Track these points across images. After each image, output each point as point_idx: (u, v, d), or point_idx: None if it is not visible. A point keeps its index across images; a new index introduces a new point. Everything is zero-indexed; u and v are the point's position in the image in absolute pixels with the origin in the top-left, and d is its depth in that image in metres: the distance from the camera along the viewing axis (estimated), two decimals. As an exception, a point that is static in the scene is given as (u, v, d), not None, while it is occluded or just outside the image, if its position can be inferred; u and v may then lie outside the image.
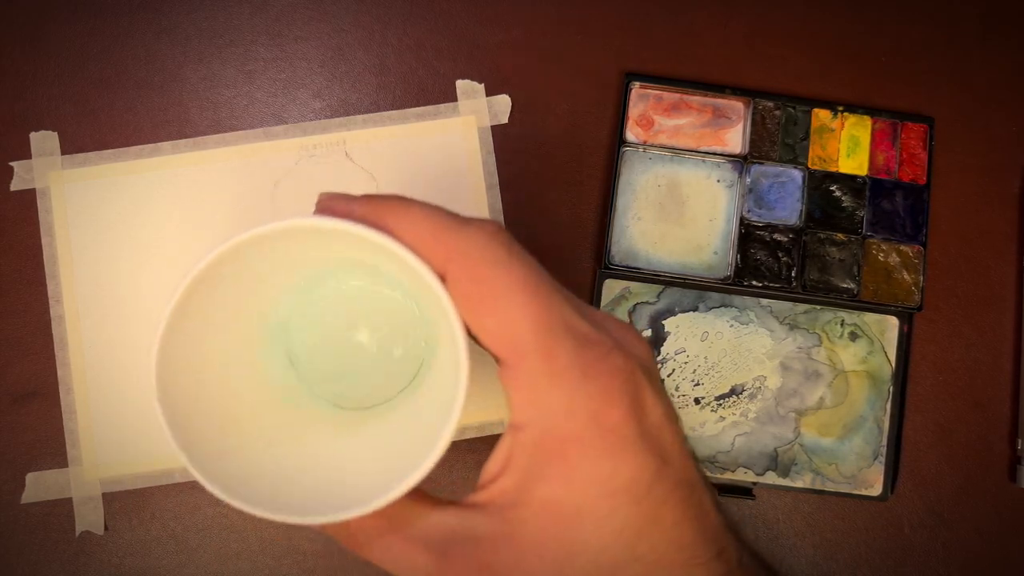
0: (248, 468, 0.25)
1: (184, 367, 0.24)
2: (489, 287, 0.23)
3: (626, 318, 0.43)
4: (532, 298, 0.23)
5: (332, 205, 0.25)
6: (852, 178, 0.44)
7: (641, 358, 0.24)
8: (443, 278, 0.23)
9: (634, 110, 0.44)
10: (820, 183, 0.44)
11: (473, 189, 0.43)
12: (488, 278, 0.23)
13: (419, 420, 0.28)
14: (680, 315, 0.43)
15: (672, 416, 0.24)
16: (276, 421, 0.29)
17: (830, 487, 0.43)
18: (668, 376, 0.43)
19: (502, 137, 0.44)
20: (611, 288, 0.43)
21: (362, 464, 0.27)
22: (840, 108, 0.44)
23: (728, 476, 0.43)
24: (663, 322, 0.43)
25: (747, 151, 0.44)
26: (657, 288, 0.43)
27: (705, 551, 0.24)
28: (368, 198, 0.24)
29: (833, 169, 0.44)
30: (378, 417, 0.32)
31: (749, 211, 0.44)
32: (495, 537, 0.23)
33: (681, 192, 0.44)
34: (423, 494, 0.25)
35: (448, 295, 0.23)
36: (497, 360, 0.24)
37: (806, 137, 0.44)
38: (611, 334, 0.24)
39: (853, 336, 0.44)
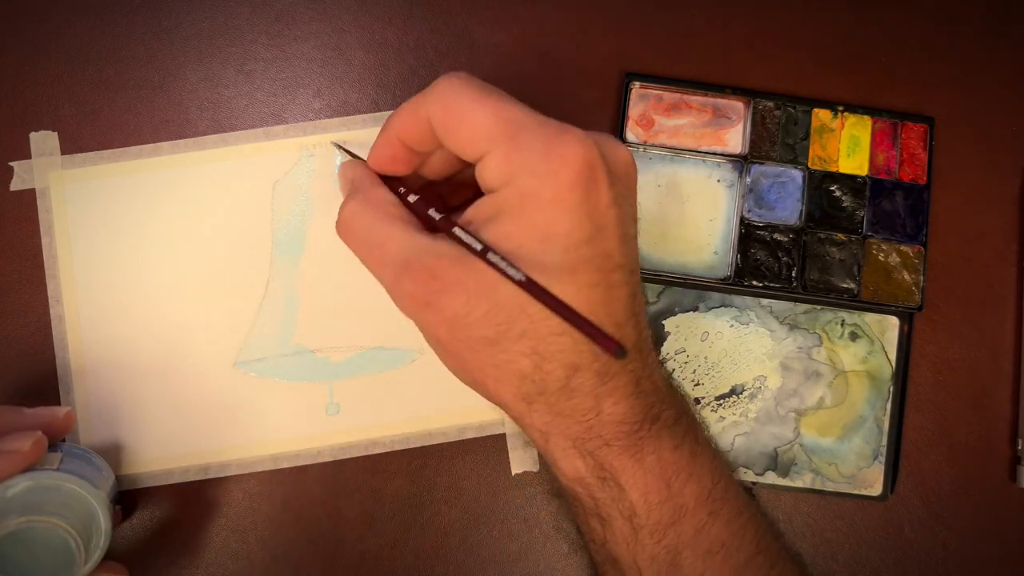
0: None
1: None
2: (456, 108, 0.30)
3: (626, 318, 0.43)
4: (489, 104, 0.30)
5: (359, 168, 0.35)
6: (852, 178, 0.44)
7: (613, 156, 0.31)
8: (433, 125, 0.31)
9: (634, 110, 0.44)
10: (820, 183, 0.44)
11: (473, 189, 0.43)
12: (453, 102, 0.30)
13: None
14: (680, 315, 0.43)
15: (625, 215, 0.31)
16: None
17: (830, 487, 0.43)
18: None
19: (502, 137, 0.44)
20: (611, 288, 0.43)
21: None
22: (840, 108, 0.44)
23: (728, 476, 0.43)
24: (663, 322, 0.43)
25: (747, 151, 0.44)
26: (657, 288, 0.43)
27: (613, 331, 0.30)
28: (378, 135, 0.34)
29: (833, 169, 0.44)
30: None
31: (749, 211, 0.44)
32: (451, 256, 0.30)
33: (681, 192, 0.44)
34: (409, 216, 0.32)
35: None
36: (474, 165, 0.31)
37: (806, 137, 0.44)
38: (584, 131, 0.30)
39: (853, 336, 0.44)
